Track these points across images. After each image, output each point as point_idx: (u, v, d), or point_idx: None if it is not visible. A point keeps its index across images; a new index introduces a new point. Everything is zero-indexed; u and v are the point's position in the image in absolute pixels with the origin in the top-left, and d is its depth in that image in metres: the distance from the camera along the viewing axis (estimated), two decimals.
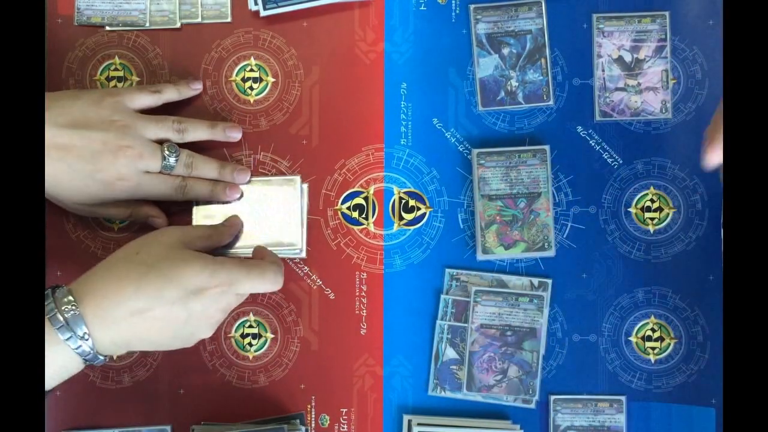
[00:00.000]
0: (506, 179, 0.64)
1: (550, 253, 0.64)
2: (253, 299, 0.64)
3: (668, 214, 0.65)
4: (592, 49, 0.65)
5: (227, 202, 0.63)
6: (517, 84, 0.65)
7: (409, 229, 0.65)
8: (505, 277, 0.65)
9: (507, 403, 0.64)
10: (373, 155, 0.65)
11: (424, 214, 0.65)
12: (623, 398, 0.64)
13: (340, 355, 0.65)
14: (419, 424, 0.63)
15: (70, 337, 0.50)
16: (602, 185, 0.65)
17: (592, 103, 0.65)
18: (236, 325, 0.65)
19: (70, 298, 0.51)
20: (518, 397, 0.64)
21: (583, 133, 0.65)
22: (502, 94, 0.65)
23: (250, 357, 0.65)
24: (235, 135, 0.63)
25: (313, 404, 0.65)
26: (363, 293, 0.65)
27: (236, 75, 0.65)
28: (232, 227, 0.62)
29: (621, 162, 0.65)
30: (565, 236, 0.65)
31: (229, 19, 0.65)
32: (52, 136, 0.55)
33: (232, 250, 0.63)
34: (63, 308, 0.50)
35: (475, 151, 0.64)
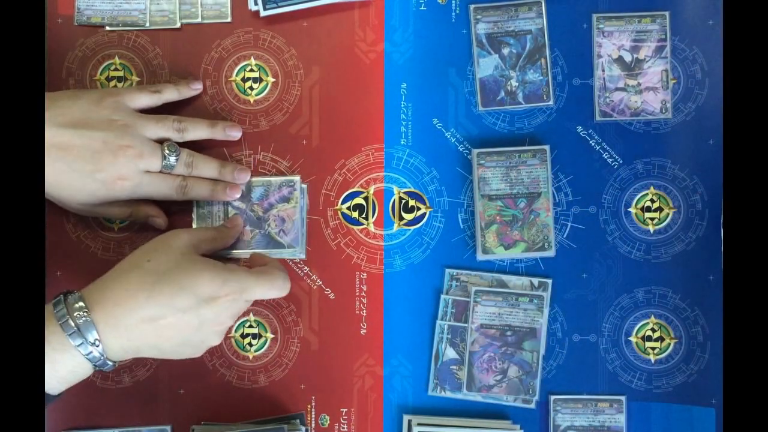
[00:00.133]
0: (506, 179, 0.64)
1: (550, 253, 0.64)
2: (267, 298, 0.64)
3: (668, 214, 0.65)
4: (592, 49, 0.65)
5: (228, 202, 0.63)
6: (517, 84, 0.65)
7: (409, 229, 0.65)
8: (505, 277, 0.65)
9: (507, 403, 0.64)
10: (373, 155, 0.65)
11: (424, 214, 0.65)
12: (623, 398, 0.64)
13: (340, 355, 0.65)
14: (419, 424, 0.63)
15: (82, 343, 0.51)
16: (602, 185, 0.65)
17: (592, 103, 0.65)
18: (236, 325, 0.65)
19: (82, 304, 0.51)
20: (518, 397, 0.64)
21: (583, 133, 0.65)
22: (502, 94, 0.65)
23: (250, 357, 0.65)
24: (235, 134, 0.63)
25: (313, 404, 0.65)
26: (363, 293, 0.65)
27: (236, 75, 0.65)
28: (236, 228, 0.63)
29: (621, 162, 0.65)
30: (565, 236, 0.65)
31: (229, 19, 0.65)
32: (52, 135, 0.55)
33: (234, 251, 0.63)
34: (75, 314, 0.51)
35: (475, 151, 0.64)
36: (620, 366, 0.65)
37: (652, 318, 0.65)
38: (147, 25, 0.65)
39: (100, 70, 0.65)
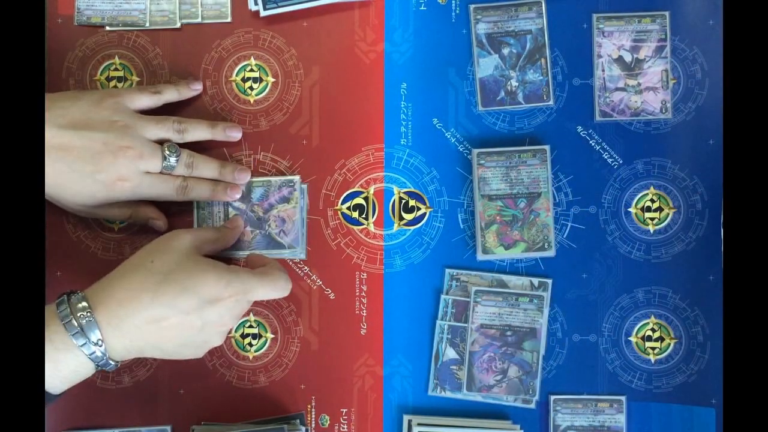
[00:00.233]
0: (506, 179, 0.64)
1: (550, 253, 0.64)
2: (270, 298, 0.64)
3: (668, 214, 0.65)
4: (592, 49, 0.65)
5: (228, 203, 0.63)
6: (517, 84, 0.65)
7: (409, 229, 0.65)
8: (505, 277, 0.65)
9: (507, 403, 0.64)
10: (373, 155, 0.65)
11: (424, 214, 0.65)
12: (623, 398, 0.64)
13: (340, 355, 0.65)
14: (419, 424, 0.63)
15: (85, 343, 0.51)
16: (602, 185, 0.65)
17: (592, 103, 0.65)
18: (236, 325, 0.65)
19: (85, 304, 0.52)
20: (518, 397, 0.64)
21: (583, 133, 0.65)
22: (502, 94, 0.65)
23: (250, 357, 0.65)
24: (236, 134, 0.63)
25: (313, 404, 0.65)
26: (363, 293, 0.65)
27: (236, 75, 0.65)
28: (236, 229, 0.63)
29: (621, 162, 0.65)
30: (565, 236, 0.65)
31: (229, 19, 0.65)
32: (52, 136, 0.55)
33: (235, 252, 0.63)
34: (78, 314, 0.51)
35: (475, 151, 0.64)
36: (620, 366, 0.65)
37: (652, 318, 0.65)
38: (147, 25, 0.65)
39: (100, 70, 0.65)
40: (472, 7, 0.65)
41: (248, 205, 0.64)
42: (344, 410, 0.65)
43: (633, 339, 0.65)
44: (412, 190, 0.66)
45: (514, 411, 0.64)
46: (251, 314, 0.65)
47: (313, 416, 0.65)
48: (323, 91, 0.65)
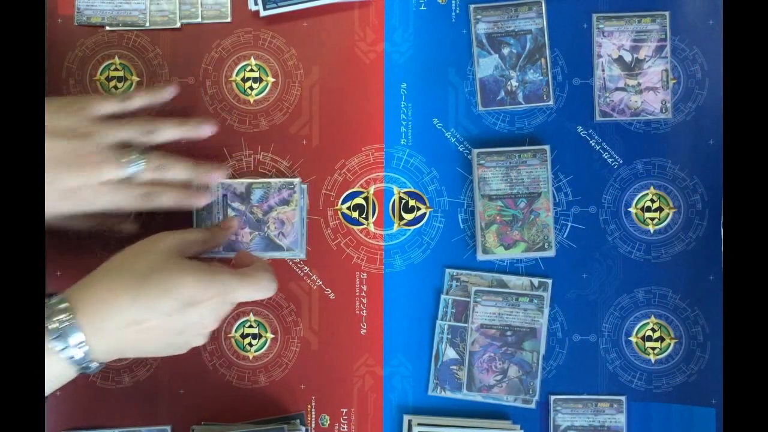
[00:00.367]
0: (506, 179, 0.64)
1: (550, 253, 0.64)
2: (253, 300, 0.64)
3: (668, 214, 0.65)
4: (592, 49, 0.65)
5: (228, 204, 0.63)
6: (517, 84, 0.65)
7: (409, 229, 0.65)
8: (505, 277, 0.65)
9: (507, 403, 0.64)
10: (373, 155, 0.65)
11: (424, 214, 0.65)
12: (623, 398, 0.64)
13: (340, 355, 0.65)
14: (419, 424, 0.63)
15: (65, 347, 0.50)
16: (602, 185, 0.65)
17: (592, 103, 0.65)
18: (236, 325, 0.65)
19: (66, 305, 0.50)
20: (518, 397, 0.64)
21: (583, 133, 0.65)
22: (502, 94, 0.65)
23: (250, 357, 0.65)
24: (206, 130, 0.60)
25: (313, 404, 0.65)
26: (363, 293, 0.65)
27: (236, 75, 0.65)
28: (229, 230, 0.62)
29: (621, 162, 0.65)
30: (565, 236, 0.65)
31: (229, 19, 0.65)
32: None
33: (233, 253, 0.63)
34: (58, 317, 0.50)
35: (475, 151, 0.64)
36: (620, 366, 0.65)
37: (652, 318, 0.65)
38: (147, 25, 0.65)
39: (100, 70, 0.65)
40: (472, 7, 0.65)
41: (248, 206, 0.64)
42: (344, 410, 0.65)
43: (633, 339, 0.65)
44: (412, 190, 0.65)
45: (514, 411, 0.64)
46: (251, 314, 0.65)
47: (313, 416, 0.65)
48: (323, 91, 0.65)
